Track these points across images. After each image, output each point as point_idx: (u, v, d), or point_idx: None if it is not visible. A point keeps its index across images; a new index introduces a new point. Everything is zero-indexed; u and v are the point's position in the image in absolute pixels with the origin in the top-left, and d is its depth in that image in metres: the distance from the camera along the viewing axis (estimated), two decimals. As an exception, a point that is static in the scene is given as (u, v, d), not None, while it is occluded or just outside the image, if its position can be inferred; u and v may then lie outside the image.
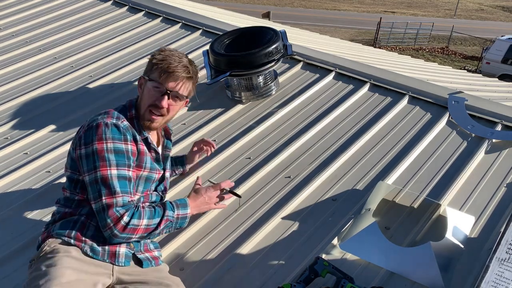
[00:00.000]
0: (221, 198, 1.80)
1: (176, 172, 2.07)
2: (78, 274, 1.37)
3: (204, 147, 2.09)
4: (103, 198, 1.42)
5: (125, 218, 1.41)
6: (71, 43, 3.38)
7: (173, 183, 2.05)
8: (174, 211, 1.55)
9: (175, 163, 2.04)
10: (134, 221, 1.43)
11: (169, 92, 1.56)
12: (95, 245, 1.45)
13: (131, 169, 1.50)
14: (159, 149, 1.70)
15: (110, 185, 1.42)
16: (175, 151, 2.20)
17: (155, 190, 1.70)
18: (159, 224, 1.49)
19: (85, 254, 1.43)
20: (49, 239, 1.44)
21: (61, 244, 1.43)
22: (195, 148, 2.09)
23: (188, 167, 2.10)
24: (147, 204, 1.56)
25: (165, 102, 1.56)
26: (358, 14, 26.97)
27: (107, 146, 1.45)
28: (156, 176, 1.66)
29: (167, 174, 1.77)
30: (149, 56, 1.64)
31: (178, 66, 1.55)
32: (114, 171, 1.44)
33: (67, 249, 1.42)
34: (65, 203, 1.55)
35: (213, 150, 2.12)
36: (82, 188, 1.52)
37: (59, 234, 1.45)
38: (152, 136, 1.67)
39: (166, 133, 1.79)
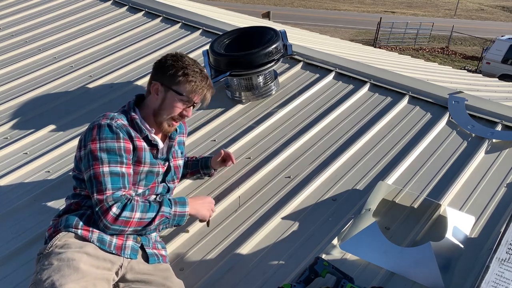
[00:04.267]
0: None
1: (203, 174, 2.06)
2: (90, 270, 1.38)
3: (228, 162, 2.05)
4: (95, 194, 1.49)
5: (114, 210, 1.46)
6: (71, 43, 3.38)
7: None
8: (171, 208, 1.58)
9: (201, 166, 2.03)
10: (126, 214, 1.47)
11: (195, 104, 1.68)
12: (101, 235, 1.49)
13: (124, 166, 1.55)
14: (162, 144, 1.71)
15: (101, 181, 1.49)
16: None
17: (163, 181, 1.73)
18: (154, 219, 1.53)
19: (94, 244, 1.46)
20: (59, 233, 1.46)
21: (71, 238, 1.45)
22: (221, 157, 2.02)
23: (213, 171, 2.09)
24: (142, 199, 1.59)
25: (190, 112, 1.69)
26: (358, 14, 26.96)
27: (100, 146, 1.52)
28: (160, 169, 1.69)
29: (178, 162, 1.79)
30: (165, 63, 1.64)
31: (207, 83, 1.67)
32: (106, 169, 1.50)
33: (79, 244, 1.44)
34: (73, 198, 1.61)
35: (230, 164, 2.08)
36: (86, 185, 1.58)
37: (66, 226, 1.48)
38: (157, 133, 1.71)
39: None
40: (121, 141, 1.55)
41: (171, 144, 1.76)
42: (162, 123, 1.66)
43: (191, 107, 1.68)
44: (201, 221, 1.76)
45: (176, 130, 1.79)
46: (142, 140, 1.62)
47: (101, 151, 1.51)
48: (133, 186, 1.61)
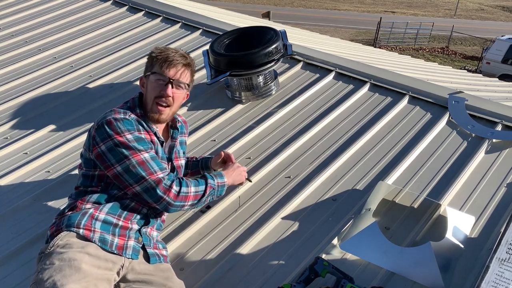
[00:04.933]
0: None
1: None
2: (92, 270, 1.38)
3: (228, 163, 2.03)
4: (147, 177, 1.52)
5: (175, 187, 1.55)
6: (71, 43, 3.38)
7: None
8: (214, 180, 1.70)
9: (201, 167, 2.03)
10: (184, 189, 1.57)
11: (172, 80, 1.64)
12: (103, 235, 1.49)
13: (154, 150, 1.61)
14: (165, 142, 1.74)
15: (148, 166, 1.54)
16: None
17: None
18: (205, 191, 1.64)
19: (95, 244, 1.46)
20: (61, 233, 1.46)
21: (73, 238, 1.45)
22: (221, 158, 2.02)
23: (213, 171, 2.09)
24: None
25: (169, 90, 1.64)
26: (358, 14, 26.96)
27: (127, 137, 1.54)
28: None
29: (180, 162, 1.80)
30: (147, 56, 1.72)
31: (176, 55, 1.66)
32: (146, 155, 1.55)
33: (81, 244, 1.44)
34: (76, 197, 1.61)
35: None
36: (98, 181, 1.60)
37: (68, 226, 1.48)
38: (160, 131, 1.73)
39: (172, 123, 1.81)
40: (142, 132, 1.59)
41: (173, 144, 1.76)
42: (152, 109, 1.65)
43: (169, 85, 1.63)
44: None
45: (178, 129, 1.79)
46: (153, 135, 1.65)
47: (131, 141, 1.53)
48: None
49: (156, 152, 1.63)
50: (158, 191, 1.52)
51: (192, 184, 1.60)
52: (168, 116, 1.70)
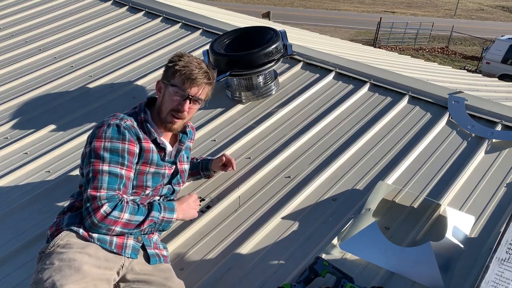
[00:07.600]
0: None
1: (202, 175, 2.07)
2: (91, 270, 1.38)
3: (228, 167, 2.05)
4: (89, 190, 1.48)
5: (105, 208, 1.46)
6: (71, 43, 3.38)
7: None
8: (160, 213, 1.58)
9: (202, 168, 2.04)
10: (115, 213, 1.47)
11: (191, 97, 1.63)
12: (103, 235, 1.49)
13: (124, 168, 1.54)
14: (170, 147, 1.73)
15: (98, 179, 1.49)
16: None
17: (169, 183, 1.74)
18: (142, 222, 1.53)
19: (95, 244, 1.46)
20: (61, 233, 1.46)
21: (73, 238, 1.45)
22: (222, 163, 2.03)
23: (213, 173, 2.10)
24: (132, 200, 1.57)
25: (186, 106, 1.64)
26: (358, 14, 26.96)
27: (104, 145, 1.53)
28: (166, 171, 1.70)
29: (184, 166, 1.79)
30: (167, 61, 1.68)
31: (200, 72, 1.63)
32: (105, 167, 1.51)
33: (81, 244, 1.44)
34: (78, 196, 1.61)
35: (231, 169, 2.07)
36: None
37: (68, 225, 1.49)
38: (166, 136, 1.72)
39: (182, 128, 1.80)
40: (126, 142, 1.55)
41: (180, 148, 1.76)
42: (166, 119, 1.65)
43: (187, 101, 1.63)
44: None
45: (187, 134, 1.79)
46: (150, 141, 1.63)
47: (104, 150, 1.51)
48: (140, 187, 1.62)
49: (149, 160, 1.62)
50: (88, 205, 1.46)
51: (128, 211, 1.49)
52: (180, 126, 1.71)
